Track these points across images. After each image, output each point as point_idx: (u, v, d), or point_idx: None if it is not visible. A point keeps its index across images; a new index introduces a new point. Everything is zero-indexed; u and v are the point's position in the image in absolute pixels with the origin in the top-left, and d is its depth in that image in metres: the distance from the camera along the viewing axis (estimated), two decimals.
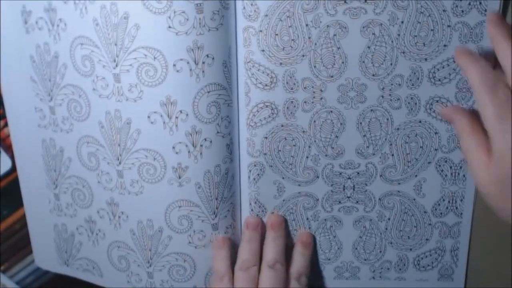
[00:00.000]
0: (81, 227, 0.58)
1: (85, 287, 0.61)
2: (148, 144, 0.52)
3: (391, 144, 0.52)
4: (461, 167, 0.52)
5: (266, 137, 0.53)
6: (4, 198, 0.62)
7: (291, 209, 0.55)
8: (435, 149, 0.52)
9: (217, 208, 0.54)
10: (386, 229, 0.55)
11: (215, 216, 0.54)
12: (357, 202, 0.54)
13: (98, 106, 0.52)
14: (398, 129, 0.51)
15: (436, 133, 0.51)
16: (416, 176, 0.53)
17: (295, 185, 0.54)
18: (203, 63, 0.49)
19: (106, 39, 0.49)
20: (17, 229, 0.64)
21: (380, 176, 0.53)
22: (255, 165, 0.54)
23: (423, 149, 0.52)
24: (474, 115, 0.46)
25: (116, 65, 0.50)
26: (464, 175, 0.52)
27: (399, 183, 0.53)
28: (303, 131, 0.52)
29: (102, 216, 0.56)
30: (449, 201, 0.53)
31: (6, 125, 0.59)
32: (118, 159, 0.53)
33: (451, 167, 0.52)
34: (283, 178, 0.54)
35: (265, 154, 0.53)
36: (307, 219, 0.55)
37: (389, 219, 0.55)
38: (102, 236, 0.57)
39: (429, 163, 0.52)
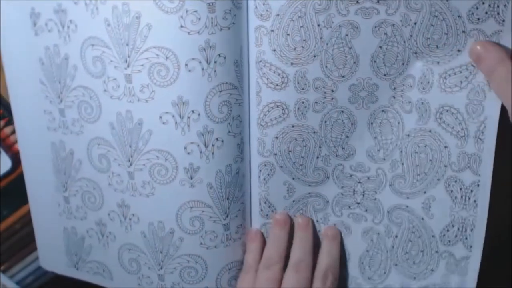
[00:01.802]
0: (91, 230, 0.58)
1: (86, 287, 0.61)
2: (160, 145, 0.51)
3: (401, 151, 0.51)
4: (471, 191, 0.50)
5: (276, 137, 0.52)
6: (4, 198, 0.62)
7: (301, 210, 0.55)
8: (445, 166, 0.50)
9: (228, 208, 0.54)
10: (393, 247, 0.54)
11: (227, 216, 0.54)
12: (366, 210, 0.54)
13: (109, 107, 0.52)
14: (408, 135, 0.51)
15: (445, 147, 0.50)
16: (425, 192, 0.51)
17: (305, 185, 0.54)
18: (215, 62, 0.49)
19: (117, 40, 0.49)
20: (17, 229, 0.64)
21: (390, 185, 0.52)
22: (265, 165, 0.53)
23: (432, 162, 0.51)
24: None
25: (128, 66, 0.50)
26: (475, 201, 0.50)
27: (407, 197, 0.52)
28: (314, 132, 0.52)
29: (113, 219, 0.56)
30: (458, 228, 0.51)
31: (6, 125, 0.59)
32: (129, 161, 0.53)
33: (461, 189, 0.50)
34: (293, 178, 0.54)
35: (275, 154, 0.53)
36: (317, 221, 0.55)
37: (396, 236, 0.53)
38: (112, 239, 0.57)
39: (438, 180, 0.51)
